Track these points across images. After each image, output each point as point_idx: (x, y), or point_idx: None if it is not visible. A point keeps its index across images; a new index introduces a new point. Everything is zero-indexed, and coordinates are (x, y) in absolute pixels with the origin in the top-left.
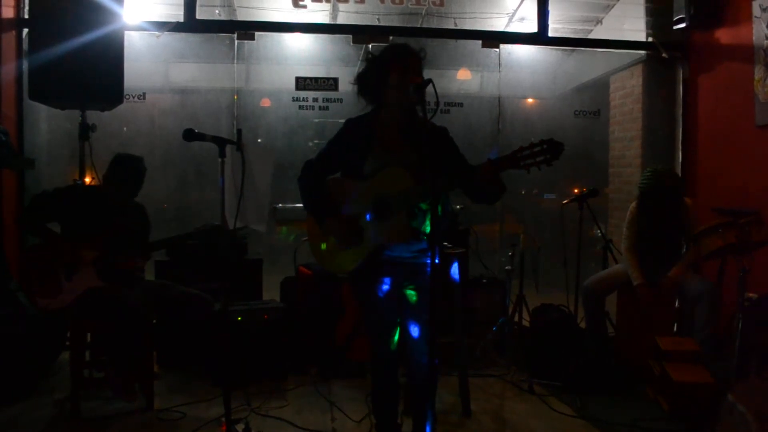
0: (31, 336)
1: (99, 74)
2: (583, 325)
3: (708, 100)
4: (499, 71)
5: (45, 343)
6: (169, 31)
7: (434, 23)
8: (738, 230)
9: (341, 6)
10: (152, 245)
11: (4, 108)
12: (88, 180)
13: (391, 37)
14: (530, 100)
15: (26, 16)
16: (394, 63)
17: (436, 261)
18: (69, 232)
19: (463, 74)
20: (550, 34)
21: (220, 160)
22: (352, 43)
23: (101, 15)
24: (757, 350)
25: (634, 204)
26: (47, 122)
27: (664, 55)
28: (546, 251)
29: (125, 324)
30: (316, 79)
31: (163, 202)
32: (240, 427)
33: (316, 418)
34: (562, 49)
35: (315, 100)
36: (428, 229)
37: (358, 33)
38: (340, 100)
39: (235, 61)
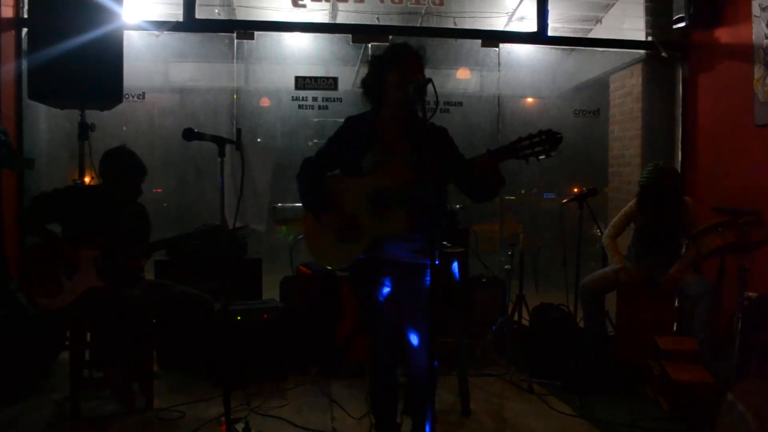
0: (30, 336)
1: (98, 74)
2: (582, 324)
3: (707, 99)
4: (499, 70)
5: (44, 343)
6: (168, 30)
7: (434, 22)
8: (737, 229)
9: (340, 5)
10: (153, 245)
11: (4, 108)
12: (87, 180)
13: (390, 37)
14: (530, 100)
15: (25, 16)
16: (393, 62)
17: (436, 261)
18: (70, 232)
19: (463, 73)
20: (550, 33)
21: (219, 159)
22: (351, 43)
23: (100, 14)
24: (757, 350)
25: (634, 200)
26: (47, 122)
27: (663, 54)
28: (546, 251)
29: (125, 324)
30: (315, 78)
31: (163, 201)
32: (240, 426)
33: (315, 417)
34: (562, 49)
35: (314, 99)
36: (425, 226)
37: (357, 32)
38: (340, 100)
39: (235, 60)
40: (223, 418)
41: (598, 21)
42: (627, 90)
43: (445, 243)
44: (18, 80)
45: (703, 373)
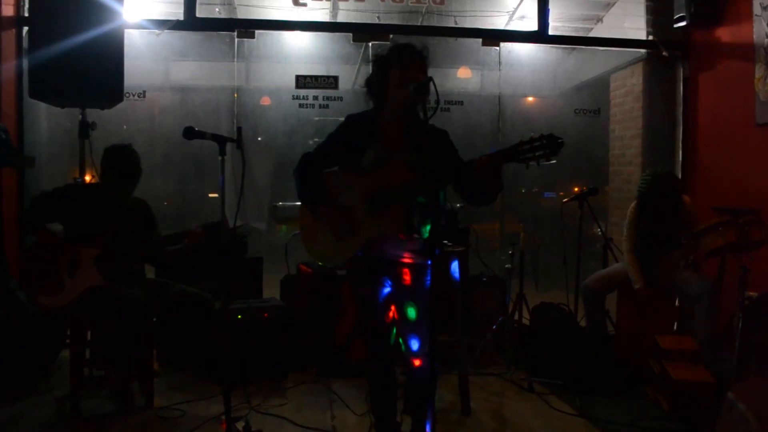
0: (31, 335)
1: (99, 72)
2: (583, 323)
3: (708, 98)
4: (500, 69)
5: (45, 341)
6: (169, 29)
7: (434, 21)
8: (738, 229)
9: (341, 4)
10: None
11: (4, 106)
12: (88, 178)
13: (391, 36)
14: (530, 99)
15: (26, 14)
16: (396, 62)
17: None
18: (71, 231)
19: (464, 72)
20: (551, 32)
21: (220, 158)
22: (352, 42)
23: (101, 13)
24: (758, 349)
25: (633, 205)
26: (47, 120)
27: (664, 53)
28: (546, 250)
29: (125, 322)
30: (316, 77)
31: (164, 199)
32: (240, 424)
33: (316, 416)
34: (563, 48)
35: (315, 98)
36: (424, 223)
37: (358, 31)
38: (340, 99)
39: (235, 59)
40: (223, 417)
41: (599, 20)
42: (628, 89)
43: (445, 242)
44: (19, 79)
45: (703, 372)
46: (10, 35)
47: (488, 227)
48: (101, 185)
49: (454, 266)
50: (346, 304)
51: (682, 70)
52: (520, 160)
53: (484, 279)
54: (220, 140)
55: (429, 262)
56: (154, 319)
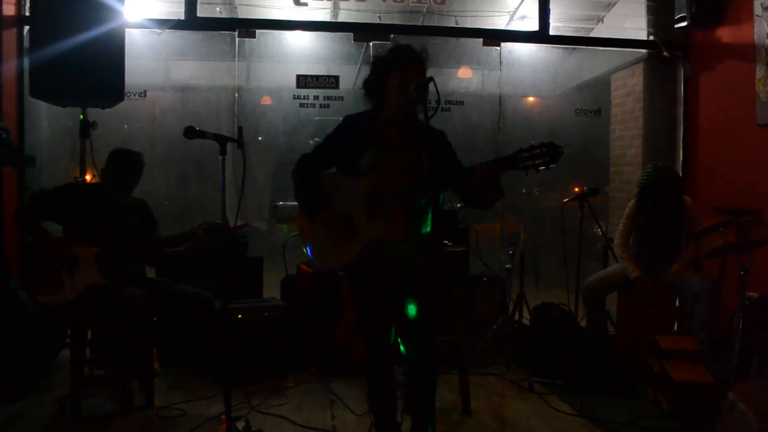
0: (31, 334)
1: (100, 72)
2: (583, 324)
3: (709, 99)
4: (500, 69)
5: (45, 341)
6: (170, 28)
7: (435, 21)
8: (738, 229)
9: (342, 4)
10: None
11: (5, 105)
12: (88, 177)
13: (392, 35)
14: (531, 99)
15: (27, 14)
16: (395, 64)
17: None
18: (70, 231)
19: (464, 72)
20: (551, 32)
21: (220, 157)
22: (353, 41)
23: (102, 12)
24: (758, 349)
25: (633, 201)
26: (48, 120)
27: (665, 53)
28: (546, 250)
29: (126, 322)
30: (317, 77)
31: (164, 199)
32: (240, 424)
33: (316, 416)
34: (563, 48)
35: (316, 98)
36: (423, 227)
37: (359, 31)
38: (341, 98)
39: (236, 58)
40: (223, 417)
41: (600, 20)
42: (628, 89)
43: (446, 242)
44: (20, 78)
45: (703, 372)
46: (11, 34)
47: (488, 227)
48: (101, 185)
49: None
50: (346, 304)
51: (682, 70)
52: (519, 168)
53: (485, 279)
54: (221, 140)
55: (428, 263)
56: (155, 319)
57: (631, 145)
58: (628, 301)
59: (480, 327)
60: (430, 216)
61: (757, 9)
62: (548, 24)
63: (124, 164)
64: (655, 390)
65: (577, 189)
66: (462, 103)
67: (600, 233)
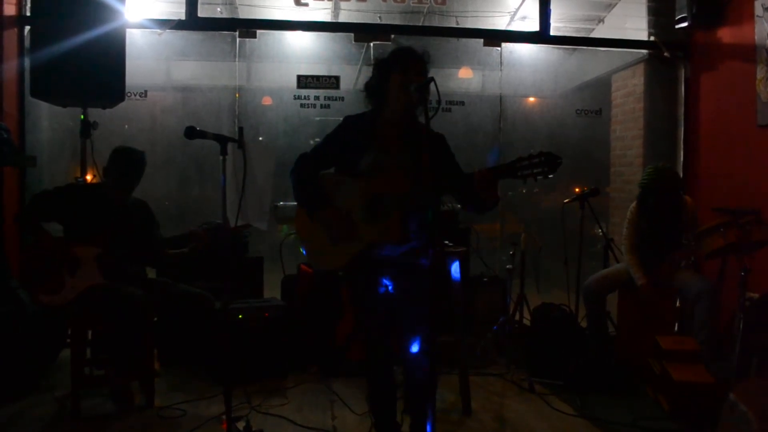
0: (31, 334)
1: (101, 72)
2: (583, 324)
3: (710, 99)
4: (501, 70)
5: (46, 340)
6: (170, 29)
7: (436, 21)
8: (739, 230)
9: (343, 4)
10: (167, 241)
11: (6, 105)
12: (89, 177)
13: (392, 36)
14: (532, 99)
15: (28, 14)
16: (396, 65)
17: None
18: (71, 231)
19: (465, 73)
20: (552, 32)
21: (221, 157)
22: (353, 42)
23: (103, 13)
24: (758, 350)
25: (634, 204)
26: (49, 120)
27: (666, 54)
28: (547, 250)
29: (126, 322)
30: (317, 77)
31: (164, 199)
32: (241, 424)
33: (316, 416)
34: (564, 48)
35: (316, 98)
36: (421, 229)
37: (359, 31)
38: (342, 99)
39: (237, 59)
40: (223, 417)
41: (601, 21)
42: (629, 90)
43: (446, 242)
44: (20, 78)
45: (703, 373)
46: (11, 34)
47: (489, 227)
48: (101, 185)
49: (455, 267)
50: (346, 304)
51: (683, 70)
52: (518, 177)
53: (485, 279)
54: (222, 140)
55: (424, 262)
56: (155, 319)
57: (632, 145)
58: (629, 302)
59: (480, 327)
60: (428, 217)
61: (758, 10)
62: (549, 24)
63: (127, 162)
64: (655, 390)
65: (577, 189)
66: (462, 103)
67: (600, 234)
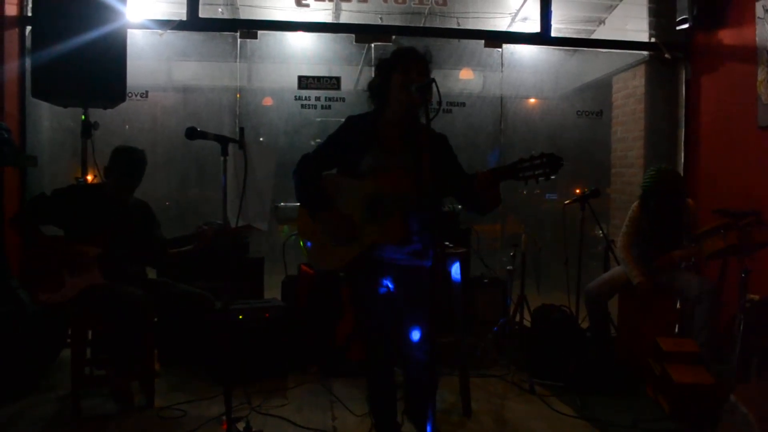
0: (32, 333)
1: (102, 72)
2: (584, 325)
3: (711, 101)
4: (502, 71)
5: (46, 340)
6: (171, 29)
7: (437, 23)
8: (739, 231)
9: (344, 5)
10: (172, 241)
11: (7, 105)
12: (90, 178)
13: (393, 37)
14: (533, 100)
15: (29, 14)
16: (398, 65)
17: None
18: (72, 232)
19: (466, 74)
20: (553, 34)
21: (222, 158)
22: (354, 43)
23: (104, 13)
24: (759, 352)
25: (636, 204)
26: (50, 120)
27: (666, 55)
28: (547, 251)
29: (126, 322)
30: (318, 78)
31: (165, 199)
32: (241, 425)
33: (316, 416)
34: (565, 49)
35: (317, 99)
36: (422, 230)
37: (360, 32)
38: (343, 99)
39: (238, 59)
40: (224, 417)
41: (602, 22)
42: (630, 91)
43: (446, 243)
44: (21, 78)
45: (703, 374)
46: (13, 34)
47: (489, 228)
48: (102, 185)
49: (455, 268)
50: (346, 305)
51: (684, 72)
52: (519, 178)
53: (485, 280)
54: (223, 140)
55: (425, 264)
56: (156, 319)
57: (633, 146)
58: (629, 303)
59: (481, 328)
60: (429, 218)
61: (759, 11)
62: (550, 26)
63: (128, 161)
64: (655, 391)
65: (578, 190)
66: (463, 104)
67: (601, 235)
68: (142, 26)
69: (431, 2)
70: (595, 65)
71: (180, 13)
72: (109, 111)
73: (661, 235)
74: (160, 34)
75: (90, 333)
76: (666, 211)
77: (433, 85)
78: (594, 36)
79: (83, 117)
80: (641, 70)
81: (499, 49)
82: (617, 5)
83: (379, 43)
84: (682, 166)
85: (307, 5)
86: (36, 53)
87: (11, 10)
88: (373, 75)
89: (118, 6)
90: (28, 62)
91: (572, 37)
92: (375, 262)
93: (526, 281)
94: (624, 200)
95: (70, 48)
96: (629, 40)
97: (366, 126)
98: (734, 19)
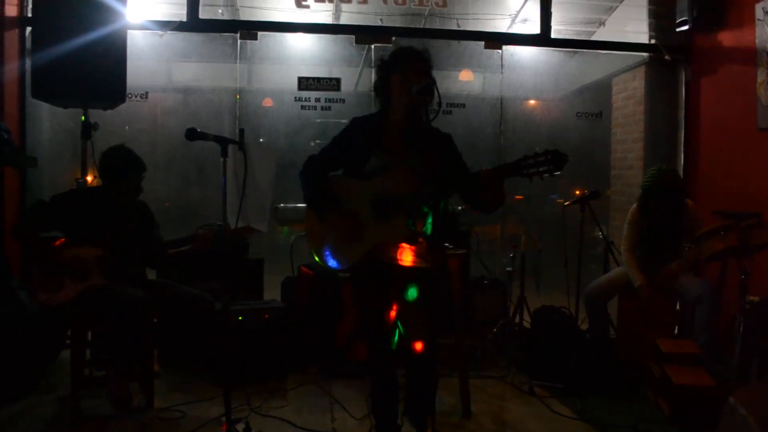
0: (31, 334)
1: (102, 73)
2: (583, 326)
3: (710, 102)
4: (502, 72)
5: (45, 341)
6: (171, 30)
7: (437, 24)
8: (739, 233)
9: (344, 6)
10: (170, 243)
11: (7, 106)
12: (90, 179)
13: (393, 38)
14: (532, 102)
15: (29, 15)
16: (397, 66)
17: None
18: (73, 236)
19: (466, 75)
20: (553, 35)
21: (222, 159)
22: (354, 44)
23: (104, 14)
24: (758, 353)
25: (634, 206)
26: (50, 121)
27: (666, 57)
28: (547, 253)
29: (126, 322)
30: (318, 79)
31: (165, 200)
32: (240, 426)
33: (316, 418)
34: (565, 51)
35: (317, 100)
36: (427, 231)
37: (360, 33)
38: (342, 101)
39: (238, 60)
40: (223, 418)
41: (602, 24)
42: (630, 93)
43: (446, 244)
44: (21, 79)
45: (703, 376)
46: (13, 35)
47: (489, 229)
48: (99, 189)
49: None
50: (347, 305)
51: (684, 73)
52: (524, 175)
53: (485, 281)
54: (222, 141)
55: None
56: (155, 320)
57: (633, 148)
58: (629, 304)
59: (480, 329)
60: (433, 218)
61: (759, 13)
62: (550, 27)
63: (113, 159)
64: (655, 393)
65: (578, 192)
66: (463, 105)
67: (601, 236)
68: (142, 27)
69: (431, 3)
70: (595, 67)
71: (180, 14)
72: (109, 112)
73: (661, 235)
74: (160, 35)
75: (90, 334)
76: (666, 211)
77: (433, 86)
78: (594, 37)
79: (83, 118)
80: (641, 72)
81: (499, 51)
82: (617, 7)
83: (379, 45)
84: (681, 167)
85: (307, 6)
86: (36, 54)
87: (11, 10)
88: (373, 76)
89: (118, 7)
90: (28, 63)
91: (572, 39)
92: (379, 262)
93: (526, 282)
94: (624, 202)
95: (70, 49)
96: (629, 42)
97: (370, 127)
98: (734, 21)
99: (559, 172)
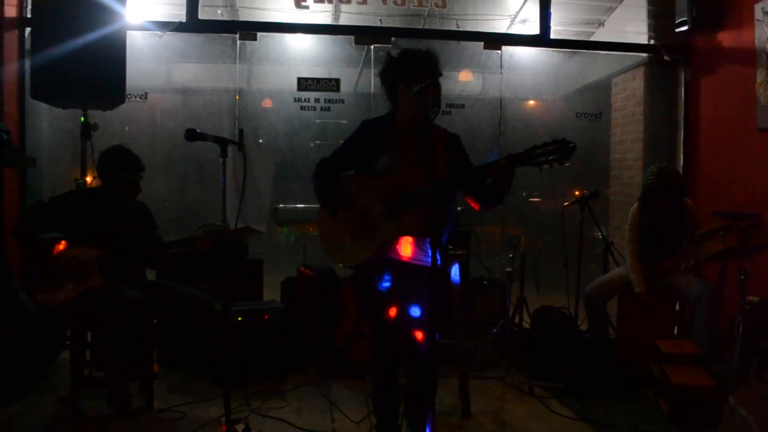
0: (31, 335)
1: (101, 74)
2: (583, 327)
3: (709, 102)
4: (501, 73)
5: (45, 341)
6: (171, 31)
7: (436, 24)
8: (739, 233)
9: (343, 7)
10: (169, 244)
11: (7, 107)
12: (89, 179)
13: (393, 39)
14: (532, 102)
15: (29, 15)
16: (399, 68)
17: (438, 261)
18: (72, 237)
19: (465, 76)
20: (552, 36)
21: (221, 160)
22: (354, 44)
23: (104, 15)
24: (758, 353)
25: (635, 207)
26: (49, 121)
27: (665, 57)
28: (547, 253)
29: (125, 323)
30: (317, 79)
31: (165, 201)
32: (240, 427)
33: (316, 418)
34: (564, 51)
35: (317, 100)
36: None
37: (360, 34)
38: (342, 101)
39: (237, 61)
40: (223, 419)
41: (601, 24)
42: (629, 93)
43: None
44: (21, 79)
45: (703, 376)
46: (12, 36)
47: (489, 230)
48: (98, 189)
49: (455, 269)
50: (347, 305)
51: (683, 74)
52: (534, 164)
53: (485, 282)
54: (222, 142)
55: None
56: (155, 321)
57: (632, 148)
58: (629, 305)
59: (480, 330)
60: (442, 217)
61: (758, 14)
62: (549, 28)
63: (110, 158)
64: (655, 393)
65: (577, 192)
66: (463, 106)
67: (600, 237)
68: (142, 28)
69: (430, 4)
70: (595, 67)
71: (179, 14)
72: (108, 112)
73: (660, 234)
74: (160, 36)
75: (89, 334)
76: (666, 210)
77: (433, 86)
78: (593, 38)
79: (82, 118)
80: (640, 72)
81: (499, 51)
82: (616, 7)
83: (378, 45)
84: (681, 167)
85: (307, 7)
86: (35, 55)
87: (11, 11)
88: (372, 77)
89: (118, 7)
90: (27, 64)
91: (571, 39)
92: (384, 260)
93: (526, 283)
94: (623, 202)
95: (69, 49)
96: (628, 42)
97: (380, 128)
98: (733, 21)
99: (567, 162)
